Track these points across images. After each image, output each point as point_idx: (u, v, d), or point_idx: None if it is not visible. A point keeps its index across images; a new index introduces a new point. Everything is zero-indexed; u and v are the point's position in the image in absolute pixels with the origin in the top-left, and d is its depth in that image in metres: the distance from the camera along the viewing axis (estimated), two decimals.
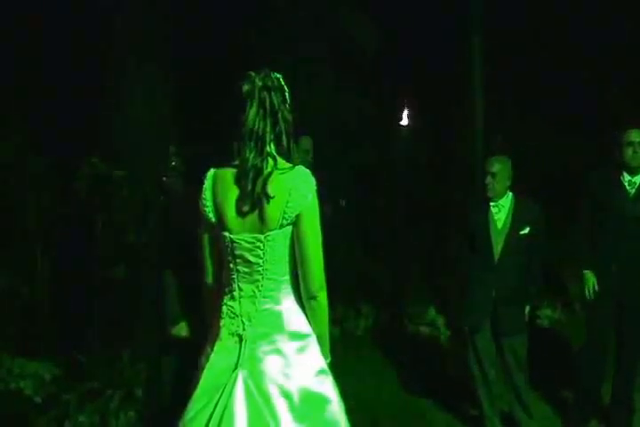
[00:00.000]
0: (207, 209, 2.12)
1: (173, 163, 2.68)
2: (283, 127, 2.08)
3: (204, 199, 2.13)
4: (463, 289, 4.08)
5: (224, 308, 2.13)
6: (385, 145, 8.09)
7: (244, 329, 2.07)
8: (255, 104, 2.05)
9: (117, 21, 5.38)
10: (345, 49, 7.30)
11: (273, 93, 2.07)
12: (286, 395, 1.99)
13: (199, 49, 6.40)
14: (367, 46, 7.31)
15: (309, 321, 2.12)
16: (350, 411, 4.51)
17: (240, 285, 2.10)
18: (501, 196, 3.89)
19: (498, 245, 3.86)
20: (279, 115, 2.07)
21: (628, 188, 3.76)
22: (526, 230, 3.84)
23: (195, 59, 6.28)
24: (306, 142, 4.52)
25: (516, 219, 3.86)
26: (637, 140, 3.69)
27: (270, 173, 2.03)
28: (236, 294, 2.10)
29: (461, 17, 6.50)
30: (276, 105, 2.07)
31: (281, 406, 1.98)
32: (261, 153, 2.04)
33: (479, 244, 3.94)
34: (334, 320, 5.75)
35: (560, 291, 6.56)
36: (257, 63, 2.20)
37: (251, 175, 2.02)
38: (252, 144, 2.05)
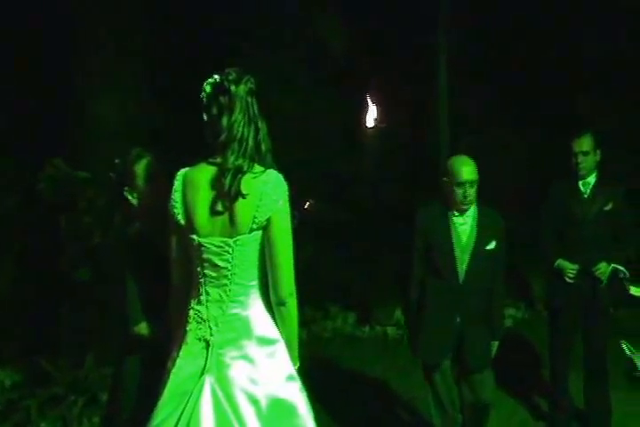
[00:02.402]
0: (176, 211, 2.09)
1: (129, 164, 2.65)
2: (252, 129, 2.05)
3: (174, 201, 2.10)
4: (420, 315, 3.41)
5: (191, 312, 2.10)
6: (353, 147, 8.12)
7: (211, 334, 2.05)
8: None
9: (83, 20, 5.30)
10: (316, 51, 7.31)
11: (243, 94, 2.04)
12: (254, 401, 1.98)
13: (173, 49, 6.35)
14: (336, 48, 7.33)
15: (278, 327, 2.10)
16: (317, 414, 4.52)
17: (207, 289, 2.07)
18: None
19: (463, 264, 3.31)
20: (247, 116, 2.04)
21: (582, 189, 3.87)
22: (492, 245, 3.33)
23: (168, 59, 6.23)
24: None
25: (483, 232, 3.33)
26: (578, 150, 3.80)
27: (239, 178, 2.00)
28: (203, 298, 2.08)
29: (428, 19, 6.56)
30: (245, 106, 2.04)
31: (248, 412, 1.96)
32: (243, 156, 2.02)
33: (440, 262, 3.33)
34: (302, 322, 5.75)
35: (523, 290, 6.66)
36: (229, 64, 2.17)
37: (230, 175, 1.99)
38: (236, 147, 2.02)
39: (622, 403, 4.17)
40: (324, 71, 7.40)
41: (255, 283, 2.07)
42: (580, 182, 3.87)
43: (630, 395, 4.44)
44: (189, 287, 2.13)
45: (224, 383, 1.99)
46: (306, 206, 4.68)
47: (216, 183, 2.02)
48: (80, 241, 4.49)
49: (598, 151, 3.83)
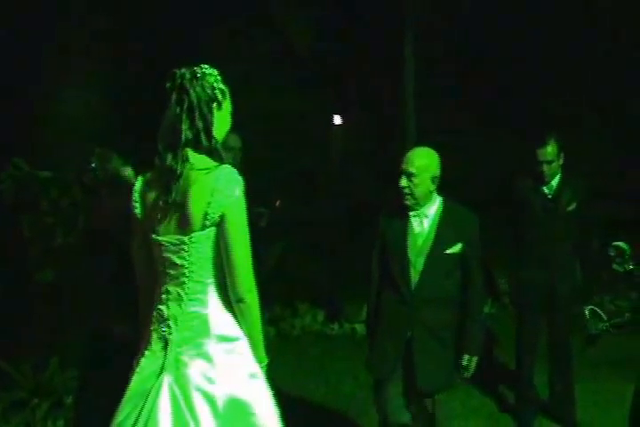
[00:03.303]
0: (137, 211, 2.09)
1: (93, 164, 2.63)
2: (201, 125, 2.01)
3: (134, 201, 2.10)
4: (374, 326, 3.14)
5: (155, 312, 2.09)
6: (322, 144, 8.12)
7: (170, 333, 2.03)
8: (174, 102, 2.01)
9: (46, 19, 5.22)
10: (281, 48, 7.30)
11: (192, 91, 2.00)
12: (210, 401, 1.96)
13: (141, 48, 6.28)
14: (302, 45, 7.32)
15: (240, 324, 2.07)
16: (285, 412, 4.51)
17: (168, 287, 2.06)
18: (424, 202, 2.99)
19: (417, 270, 2.98)
20: (197, 113, 2.00)
21: (546, 191, 3.95)
22: (456, 248, 2.97)
23: (137, 58, 6.16)
24: (233, 140, 4.42)
25: (444, 233, 2.97)
26: (543, 159, 3.86)
27: (187, 175, 1.98)
28: (164, 297, 2.06)
29: (395, 18, 6.59)
30: (195, 102, 2.00)
31: (204, 412, 1.94)
32: (177, 154, 2.00)
33: (392, 267, 3.02)
34: (270, 320, 5.74)
35: (490, 285, 6.73)
36: (196, 62, 2.16)
37: (166, 178, 1.99)
38: (169, 144, 2.01)
39: (586, 394, 4.27)
40: (293, 70, 7.39)
41: (213, 280, 2.05)
42: (545, 187, 3.95)
43: (594, 386, 4.53)
44: (155, 287, 2.12)
45: (181, 382, 1.97)
46: (276, 205, 4.66)
47: (160, 186, 2.02)
48: (42, 242, 4.41)
49: (562, 155, 3.91)
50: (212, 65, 2.12)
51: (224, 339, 2.04)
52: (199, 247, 2.01)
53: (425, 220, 3.00)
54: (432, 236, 2.98)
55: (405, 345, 2.97)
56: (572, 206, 3.93)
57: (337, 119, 8.03)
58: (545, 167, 3.87)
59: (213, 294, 2.05)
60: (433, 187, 2.99)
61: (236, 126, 4.98)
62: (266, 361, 2.15)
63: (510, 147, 7.59)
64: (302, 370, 5.00)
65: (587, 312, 4.16)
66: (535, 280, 3.98)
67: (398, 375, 3.00)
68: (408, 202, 2.97)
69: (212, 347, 2.02)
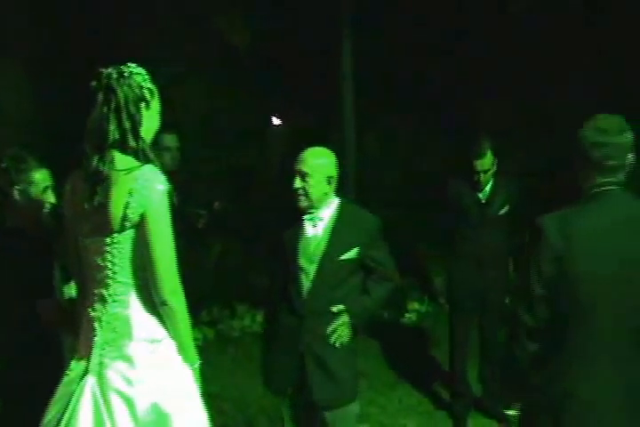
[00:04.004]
0: (66, 212, 2.11)
1: (4, 164, 2.62)
2: (128, 126, 2.00)
3: (64, 202, 2.11)
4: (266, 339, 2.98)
5: (85, 314, 2.09)
6: (260, 146, 8.10)
7: (94, 335, 2.03)
8: (100, 102, 1.99)
9: None
10: (218, 49, 7.24)
11: (120, 90, 1.99)
12: (129, 403, 1.95)
13: (72, 47, 6.12)
14: (239, 46, 7.28)
15: (166, 326, 2.06)
16: (225, 413, 4.50)
17: (95, 289, 2.06)
18: (320, 204, 2.78)
19: (308, 277, 2.78)
20: (124, 113, 1.99)
21: (480, 196, 4.07)
22: (352, 253, 2.76)
23: (67, 57, 5.99)
24: (171, 140, 4.36)
25: (339, 237, 2.76)
26: (480, 169, 3.97)
27: (110, 176, 1.98)
28: (92, 298, 2.07)
29: (332, 17, 6.62)
30: (122, 102, 1.98)
31: (122, 414, 1.94)
32: (102, 155, 1.99)
33: (284, 274, 2.84)
34: (209, 322, 5.69)
35: (425, 284, 6.86)
36: (129, 61, 2.13)
37: (91, 180, 1.99)
38: (96, 145, 1.99)
39: None
40: (230, 69, 7.35)
41: (137, 282, 2.04)
42: (479, 192, 4.08)
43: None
44: (87, 289, 2.11)
45: (102, 384, 1.97)
46: (214, 206, 4.62)
47: (84, 188, 2.02)
48: None
49: (496, 161, 4.04)
50: (148, 64, 2.10)
51: (146, 340, 2.03)
52: (121, 249, 2.00)
53: (319, 223, 2.79)
54: (326, 240, 2.76)
55: (300, 358, 2.76)
56: (505, 209, 4.07)
57: (275, 120, 8.02)
58: (482, 177, 3.99)
59: (137, 296, 2.04)
60: (329, 188, 2.78)
61: (174, 126, 4.93)
62: (197, 362, 2.13)
63: (444, 148, 7.78)
64: (242, 371, 4.98)
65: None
66: (468, 280, 4.11)
67: (298, 389, 2.80)
68: (302, 204, 2.76)
69: (133, 349, 2.01)
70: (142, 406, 1.94)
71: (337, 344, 2.76)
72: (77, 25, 6.25)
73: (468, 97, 7.60)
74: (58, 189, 2.48)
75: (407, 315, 6.32)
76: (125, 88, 2.00)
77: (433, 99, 7.68)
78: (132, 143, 2.00)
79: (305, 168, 2.74)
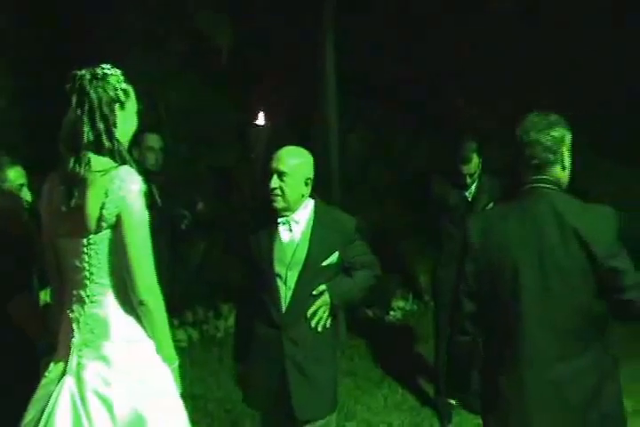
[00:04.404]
0: (43, 214, 2.11)
1: None
2: (102, 127, 2.00)
3: (42, 203, 2.11)
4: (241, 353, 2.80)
5: (64, 315, 2.09)
6: (243, 145, 8.08)
7: (73, 336, 2.03)
8: (74, 104, 2.00)
9: None
10: (201, 48, 7.22)
11: (92, 92, 1.99)
12: (107, 403, 1.95)
13: (48, 47, 6.07)
14: (223, 45, 7.26)
15: (144, 327, 2.06)
16: (210, 413, 4.48)
17: (73, 291, 2.06)
18: (296, 206, 2.62)
19: (287, 286, 2.61)
20: (97, 114, 1.99)
21: (466, 194, 4.12)
22: (333, 259, 2.63)
23: (42, 57, 5.95)
24: (152, 140, 4.34)
25: (319, 242, 2.60)
26: (468, 172, 4.01)
27: (86, 177, 1.99)
28: (70, 299, 2.07)
29: (315, 17, 6.62)
30: (96, 104, 1.99)
31: (100, 415, 1.94)
32: (77, 156, 1.99)
33: (258, 283, 2.66)
34: (193, 322, 5.67)
35: (411, 282, 6.90)
36: (108, 62, 2.12)
37: (67, 181, 2.00)
38: (71, 147, 2.00)
39: None
40: (212, 68, 7.32)
41: (114, 282, 2.04)
42: (465, 191, 4.13)
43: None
44: (65, 290, 2.12)
45: (80, 385, 1.97)
46: (198, 207, 4.61)
47: (60, 189, 2.03)
48: None
49: (480, 160, 4.09)
50: (130, 64, 2.10)
51: (124, 341, 2.03)
52: (98, 249, 2.00)
53: (295, 227, 2.63)
54: (305, 246, 2.60)
55: (281, 372, 2.61)
56: (490, 207, 4.10)
57: (259, 119, 8.00)
58: (468, 179, 4.07)
59: (114, 296, 2.04)
60: (306, 190, 2.63)
61: (157, 126, 4.91)
62: (176, 362, 2.13)
63: (429, 147, 7.81)
64: (227, 371, 4.97)
65: None
66: (452, 278, 4.12)
67: (280, 404, 2.64)
68: (278, 204, 2.59)
69: (111, 349, 2.01)
70: (120, 406, 1.94)
71: (319, 327, 2.61)
72: (62, 24, 6.21)
73: (452, 96, 7.64)
74: (36, 189, 2.48)
75: (392, 313, 6.35)
76: (99, 90, 2.00)
77: (417, 98, 7.71)
78: (106, 144, 2.01)
79: (283, 167, 2.58)
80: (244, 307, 2.82)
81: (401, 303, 6.56)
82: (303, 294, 2.60)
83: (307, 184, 2.64)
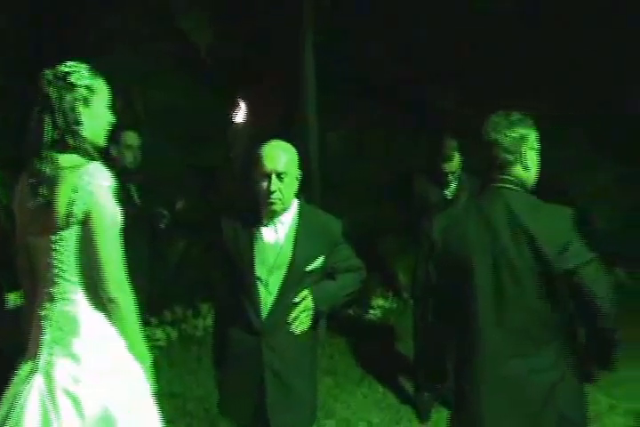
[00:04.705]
0: (17, 214, 2.13)
1: None
2: (64, 126, 2.01)
3: (15, 203, 2.13)
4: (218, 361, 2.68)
5: (36, 314, 2.08)
6: (222, 144, 8.05)
7: (43, 334, 2.03)
8: (37, 103, 2.02)
9: None
10: (181, 47, 7.19)
11: (53, 90, 2.01)
12: (75, 402, 1.94)
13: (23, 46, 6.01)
14: (201, 45, 7.24)
15: (114, 324, 2.06)
16: (189, 412, 4.46)
17: (44, 289, 2.06)
18: (289, 207, 2.50)
19: (270, 291, 2.46)
20: (58, 113, 2.00)
21: (446, 192, 4.17)
22: (318, 263, 2.49)
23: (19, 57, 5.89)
24: (131, 137, 4.31)
25: (305, 244, 2.46)
26: (449, 171, 4.07)
27: (55, 174, 1.99)
28: (41, 297, 2.07)
29: (293, 16, 6.61)
30: (56, 102, 2.00)
31: (69, 413, 1.93)
32: (41, 155, 2.00)
33: (237, 288, 2.51)
34: (172, 321, 5.64)
35: (390, 280, 6.92)
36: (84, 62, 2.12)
37: (34, 180, 2.01)
38: (35, 146, 2.02)
39: None
40: (192, 68, 7.29)
41: (84, 279, 2.04)
42: (446, 190, 4.17)
43: None
44: (36, 289, 2.12)
45: (49, 383, 1.97)
46: (177, 206, 4.59)
47: (28, 186, 2.04)
48: None
49: (462, 159, 4.12)
50: (109, 63, 2.10)
51: (95, 339, 2.03)
52: (67, 246, 2.01)
53: (280, 228, 2.48)
54: (290, 248, 2.45)
55: (259, 382, 2.47)
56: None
57: (238, 118, 7.98)
58: (450, 177, 4.11)
59: (85, 294, 2.04)
60: (297, 187, 2.51)
61: (136, 124, 4.87)
62: (148, 361, 2.14)
63: (410, 146, 7.84)
64: (206, 370, 4.95)
65: None
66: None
67: (257, 416, 2.49)
68: (277, 207, 2.44)
69: (81, 347, 2.01)
70: (89, 405, 1.94)
71: (298, 332, 2.48)
72: (44, 23, 6.16)
73: (433, 96, 7.68)
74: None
75: (372, 311, 6.36)
76: (59, 88, 2.01)
77: (399, 98, 7.74)
78: (70, 143, 2.02)
79: (281, 167, 2.41)
80: (223, 310, 2.67)
81: (381, 302, 6.58)
82: (285, 300, 2.45)
83: (298, 180, 2.52)
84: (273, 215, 2.47)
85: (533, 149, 2.18)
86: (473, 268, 2.11)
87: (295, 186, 2.49)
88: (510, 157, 2.14)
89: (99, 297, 2.02)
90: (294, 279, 2.46)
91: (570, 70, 7.23)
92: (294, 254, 2.45)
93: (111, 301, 2.00)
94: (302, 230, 2.48)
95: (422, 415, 4.22)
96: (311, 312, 2.51)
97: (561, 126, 6.53)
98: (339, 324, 5.77)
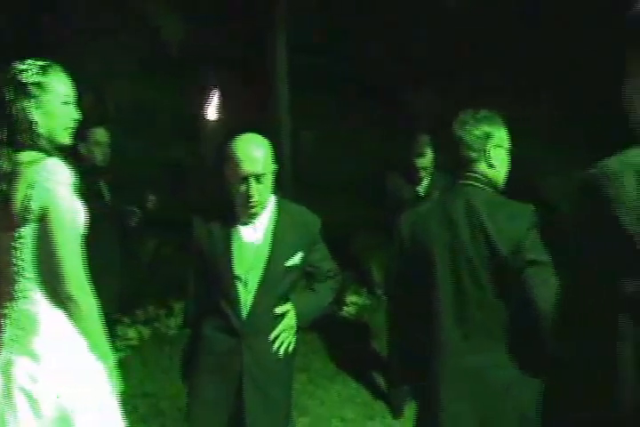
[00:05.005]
0: None
1: None
2: (13, 124, 2.01)
3: None
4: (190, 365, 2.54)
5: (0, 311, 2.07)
6: (194, 140, 7.99)
7: (3, 332, 2.01)
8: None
9: None
10: (150, 43, 7.12)
11: (8, 89, 2.01)
12: (32, 401, 1.92)
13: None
14: (172, 41, 7.18)
15: (74, 323, 2.03)
16: (162, 412, 4.42)
17: (5, 287, 2.04)
18: (267, 204, 2.41)
19: (248, 291, 2.36)
20: (7, 112, 2.00)
21: (419, 189, 4.22)
22: (296, 259, 2.40)
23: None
24: (99, 134, 4.26)
25: (283, 240, 2.39)
26: (421, 166, 4.09)
27: (14, 170, 1.98)
28: (4, 296, 2.05)
29: (265, 15, 6.59)
30: (10, 101, 2.00)
31: (25, 413, 1.91)
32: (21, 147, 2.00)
33: (215, 288, 2.40)
34: (145, 320, 5.58)
35: (364, 276, 6.95)
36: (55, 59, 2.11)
37: None
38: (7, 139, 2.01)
39: None
40: (163, 65, 7.23)
41: (44, 278, 2.02)
42: (419, 186, 4.20)
43: None
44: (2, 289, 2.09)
45: (7, 382, 1.94)
46: (148, 204, 4.54)
47: None
48: None
49: (434, 156, 4.15)
50: (77, 59, 2.09)
51: (54, 338, 2.01)
52: (26, 243, 1.99)
53: (258, 225, 2.39)
54: (268, 244, 2.37)
55: (237, 389, 2.35)
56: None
57: (208, 115, 7.94)
58: (422, 173, 4.15)
59: (45, 292, 2.02)
60: (272, 183, 2.40)
61: (105, 121, 4.82)
62: (111, 360, 2.12)
63: (382, 143, 7.88)
64: (177, 370, 4.93)
65: None
66: None
67: (235, 423, 2.38)
68: (257, 210, 2.35)
69: (40, 346, 1.99)
70: (47, 404, 1.92)
71: (281, 350, 2.40)
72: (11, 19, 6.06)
73: (406, 94, 7.72)
74: None
75: (346, 308, 6.37)
76: (11, 87, 2.01)
77: (371, 97, 7.77)
78: (25, 141, 2.01)
79: (260, 169, 2.30)
80: (198, 311, 2.50)
81: (355, 298, 6.60)
82: (266, 299, 2.35)
83: (273, 175, 2.40)
84: (251, 216, 2.39)
85: (500, 147, 2.18)
86: (435, 264, 2.13)
87: (272, 182, 2.39)
88: (474, 155, 2.15)
89: (59, 296, 2.00)
90: (274, 277, 2.38)
91: (570, 70, 7.31)
92: (273, 251, 2.38)
93: (70, 300, 1.98)
94: (280, 226, 2.41)
95: (396, 411, 4.24)
96: (293, 331, 2.46)
97: (560, 127, 6.61)
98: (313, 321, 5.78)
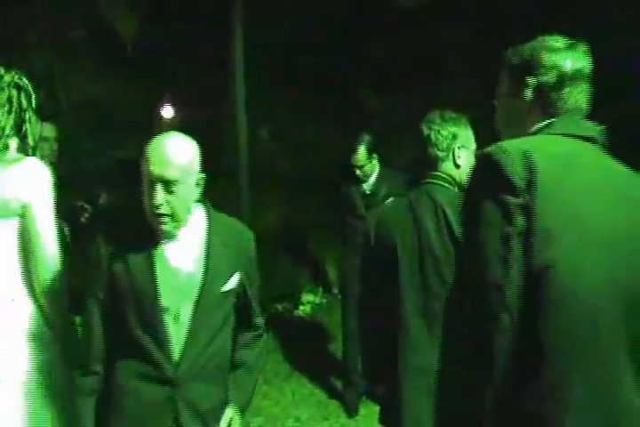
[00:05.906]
0: None
1: None
2: (28, 128, 2.08)
3: None
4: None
5: None
6: (149, 137, 7.87)
7: None
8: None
9: None
10: (104, 36, 6.98)
11: (22, 93, 2.07)
12: None
13: None
14: (126, 34, 7.05)
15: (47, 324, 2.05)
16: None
17: None
18: (186, 220, 1.89)
19: (181, 322, 1.86)
20: (26, 115, 2.07)
21: (365, 187, 4.24)
22: (234, 282, 1.95)
23: None
24: (47, 129, 4.14)
25: (218, 260, 1.92)
26: (355, 164, 4.11)
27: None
28: None
29: (221, 8, 6.53)
30: (25, 105, 2.07)
31: None
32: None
33: (133, 322, 1.86)
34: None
35: (319, 275, 6.96)
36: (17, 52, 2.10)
37: None
38: None
39: None
40: (116, 58, 7.10)
41: (23, 277, 2.02)
42: (364, 184, 4.22)
43: None
44: None
45: None
46: (100, 200, 4.44)
47: None
48: None
49: (374, 155, 4.18)
50: (27, 51, 2.09)
51: (27, 338, 2.00)
52: (7, 243, 1.99)
53: (184, 245, 1.91)
54: (200, 268, 1.90)
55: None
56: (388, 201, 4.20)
57: (164, 112, 7.83)
58: (358, 171, 4.16)
59: (21, 288, 2.01)
60: (198, 193, 1.92)
61: (55, 116, 4.69)
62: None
63: (339, 140, 7.90)
64: None
65: None
66: (357, 270, 4.18)
67: None
68: (167, 227, 1.85)
69: (11, 346, 1.98)
70: (8, 405, 1.92)
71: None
72: None
73: (365, 93, 7.75)
74: None
75: (302, 307, 6.37)
76: (24, 91, 2.08)
77: (330, 95, 7.77)
78: (31, 143, 2.09)
79: (173, 174, 1.82)
80: (115, 354, 1.92)
81: (310, 297, 6.60)
82: (202, 333, 1.88)
83: (198, 185, 1.91)
84: (166, 234, 1.89)
85: (465, 148, 2.22)
86: (400, 260, 2.15)
87: (194, 195, 1.90)
88: (440, 155, 2.20)
89: (34, 295, 2.01)
90: (209, 304, 1.90)
91: None
92: (206, 274, 1.89)
93: (41, 298, 2.01)
94: (213, 244, 1.93)
95: (350, 410, 4.25)
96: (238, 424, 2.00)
97: None
98: (267, 320, 5.74)
